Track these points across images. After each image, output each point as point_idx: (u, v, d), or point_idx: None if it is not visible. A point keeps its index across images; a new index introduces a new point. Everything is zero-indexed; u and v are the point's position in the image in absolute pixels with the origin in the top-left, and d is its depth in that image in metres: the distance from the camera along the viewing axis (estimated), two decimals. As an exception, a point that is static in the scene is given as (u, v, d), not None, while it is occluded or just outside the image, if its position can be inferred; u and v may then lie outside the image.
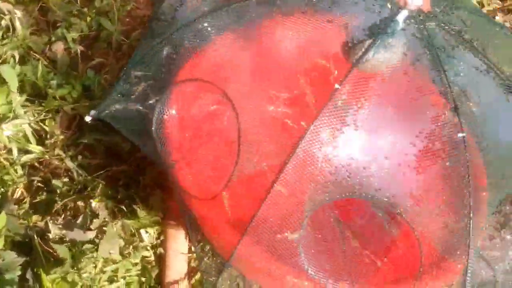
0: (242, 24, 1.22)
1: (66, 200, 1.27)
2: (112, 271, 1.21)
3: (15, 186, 1.31)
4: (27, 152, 1.35)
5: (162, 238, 1.29)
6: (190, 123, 1.18)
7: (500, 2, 1.90)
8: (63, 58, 1.46)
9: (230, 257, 1.01)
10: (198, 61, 1.20)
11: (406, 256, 1.07)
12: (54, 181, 1.30)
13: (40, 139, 1.37)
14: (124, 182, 1.33)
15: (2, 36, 1.46)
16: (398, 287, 1.06)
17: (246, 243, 0.98)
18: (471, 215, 0.94)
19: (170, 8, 1.22)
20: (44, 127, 1.37)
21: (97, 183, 1.30)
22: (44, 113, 1.38)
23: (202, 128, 1.18)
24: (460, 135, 0.94)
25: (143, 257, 1.26)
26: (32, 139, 1.35)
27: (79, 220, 1.21)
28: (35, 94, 1.41)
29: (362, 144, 0.96)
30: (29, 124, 1.36)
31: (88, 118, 1.17)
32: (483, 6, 1.85)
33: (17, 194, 1.32)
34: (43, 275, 1.15)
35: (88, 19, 1.55)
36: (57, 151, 1.35)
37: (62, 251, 1.15)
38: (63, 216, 1.27)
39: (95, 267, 1.18)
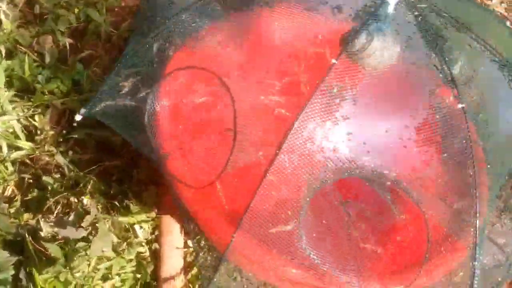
0: (233, 12, 1.20)
1: (57, 197, 1.24)
2: (106, 268, 1.19)
3: (5, 184, 1.29)
4: (17, 148, 1.32)
5: (157, 233, 1.26)
6: (183, 112, 1.16)
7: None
8: (51, 51, 1.43)
9: (226, 250, 0.99)
10: (190, 51, 1.17)
11: (413, 237, 1.05)
12: (45, 178, 1.27)
13: (30, 135, 1.35)
14: (117, 177, 1.31)
15: (-12, 30, 1.43)
16: (406, 271, 1.03)
17: (242, 234, 0.95)
18: (476, 182, 0.92)
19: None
20: (34, 122, 1.35)
21: (89, 179, 1.27)
22: (33, 109, 1.36)
23: (195, 118, 1.16)
24: (459, 105, 0.91)
25: (138, 253, 1.24)
26: (21, 135, 1.33)
27: (71, 218, 1.18)
28: (23, 89, 1.38)
29: (361, 119, 0.93)
30: (18, 120, 1.33)
31: (78, 117, 1.15)
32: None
33: (8, 192, 1.29)
34: (36, 275, 1.13)
35: (76, 10, 1.51)
36: (47, 147, 1.32)
37: (54, 250, 1.13)
38: (55, 213, 1.24)
39: (89, 265, 1.16)
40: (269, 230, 0.94)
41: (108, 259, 1.19)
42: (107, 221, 1.19)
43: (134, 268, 1.22)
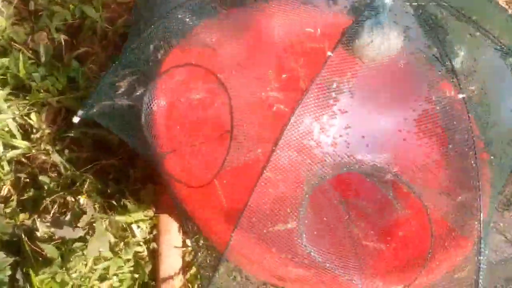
0: (230, 8, 1.18)
1: (54, 196, 1.23)
2: (104, 268, 1.17)
3: (2, 183, 1.27)
4: (13, 147, 1.30)
5: (155, 232, 1.24)
6: (180, 111, 1.14)
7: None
8: (46, 49, 1.41)
9: (225, 250, 0.97)
10: (186, 48, 1.15)
11: (416, 232, 1.03)
12: (41, 177, 1.25)
13: (26, 134, 1.33)
14: (114, 176, 1.29)
15: (-18, 27, 1.41)
16: (409, 268, 1.01)
17: (240, 233, 0.93)
18: (479, 180, 0.89)
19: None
20: (29, 121, 1.33)
21: (85, 178, 1.25)
22: (28, 107, 1.34)
23: (192, 116, 1.14)
24: (460, 96, 0.89)
25: (136, 253, 1.22)
26: (17, 134, 1.31)
27: (68, 217, 1.16)
28: (19, 87, 1.36)
29: (360, 112, 0.91)
30: (14, 118, 1.32)
31: (76, 119, 1.13)
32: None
33: (4, 192, 1.27)
34: (33, 275, 1.11)
35: (71, 7, 1.49)
36: (43, 145, 1.30)
37: (50, 250, 1.11)
38: (52, 213, 1.22)
39: (86, 265, 1.14)
40: (269, 228, 0.92)
41: (106, 259, 1.17)
42: (104, 220, 1.17)
43: (132, 268, 1.20)
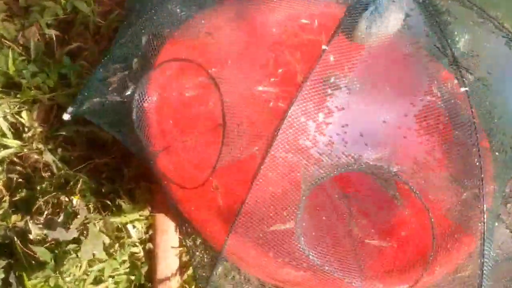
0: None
1: (47, 197, 1.20)
2: (99, 271, 1.14)
3: (-7, 184, 1.24)
4: (4, 147, 1.27)
5: (150, 232, 1.21)
6: (173, 107, 1.11)
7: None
8: (37, 45, 1.37)
9: (222, 251, 0.94)
10: (178, 42, 1.12)
11: (417, 231, 1.00)
12: (34, 177, 1.22)
13: (17, 133, 1.30)
14: (107, 175, 1.26)
15: (-29, 24, 1.38)
16: (410, 271, 0.98)
17: (235, 237, 0.90)
18: (483, 175, 0.86)
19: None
20: (21, 119, 1.29)
21: (79, 177, 1.22)
22: (19, 105, 1.30)
23: (186, 112, 1.11)
24: (462, 89, 0.85)
25: (132, 254, 1.19)
26: (8, 133, 1.28)
27: (61, 219, 1.13)
28: (9, 85, 1.33)
29: (357, 109, 0.88)
30: (4, 117, 1.28)
31: (66, 116, 1.11)
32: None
33: (-5, 193, 1.24)
34: (26, 279, 1.08)
35: (63, 1, 1.45)
36: (35, 144, 1.27)
37: (42, 253, 1.09)
38: (45, 214, 1.19)
39: (80, 268, 1.11)
40: (265, 231, 0.89)
41: (100, 261, 1.14)
42: (98, 222, 1.14)
43: (127, 270, 1.18)
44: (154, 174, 1.08)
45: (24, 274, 1.09)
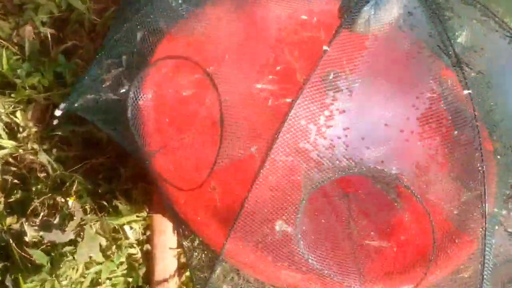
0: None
1: (42, 198, 1.18)
2: (96, 273, 1.13)
3: (-12, 186, 1.23)
4: (-1, 147, 1.25)
5: (148, 233, 1.20)
6: (169, 105, 1.09)
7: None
8: (31, 43, 1.36)
9: (221, 254, 0.93)
10: (174, 40, 1.10)
11: (417, 234, 0.99)
12: (29, 178, 1.20)
13: (12, 133, 1.28)
14: (104, 175, 1.24)
15: (-36, 22, 1.36)
16: (413, 273, 0.97)
17: (234, 242, 0.89)
18: (485, 179, 0.85)
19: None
20: (16, 119, 1.28)
21: (74, 178, 1.20)
22: (14, 105, 1.29)
23: (183, 111, 1.09)
24: (465, 92, 0.84)
25: (129, 255, 1.18)
26: (3, 133, 1.26)
27: (56, 220, 1.12)
28: (3, 84, 1.31)
29: (359, 112, 0.87)
30: (-1, 117, 1.27)
31: (58, 112, 1.08)
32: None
33: (-10, 194, 1.23)
34: (22, 283, 1.07)
35: (57, -1, 1.43)
36: (30, 145, 1.26)
37: (38, 256, 1.07)
38: (41, 215, 1.18)
39: (76, 271, 1.10)
40: (265, 234, 0.88)
41: (97, 263, 1.13)
42: (94, 224, 1.13)
43: (125, 271, 1.16)
44: (150, 174, 1.07)
45: (20, 277, 1.08)
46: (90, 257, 1.09)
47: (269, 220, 0.87)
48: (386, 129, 0.85)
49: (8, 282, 1.10)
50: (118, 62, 1.11)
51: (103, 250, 1.14)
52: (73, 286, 1.10)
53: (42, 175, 1.24)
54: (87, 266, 1.12)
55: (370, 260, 0.97)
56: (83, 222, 1.13)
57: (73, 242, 1.13)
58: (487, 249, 0.90)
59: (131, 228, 1.19)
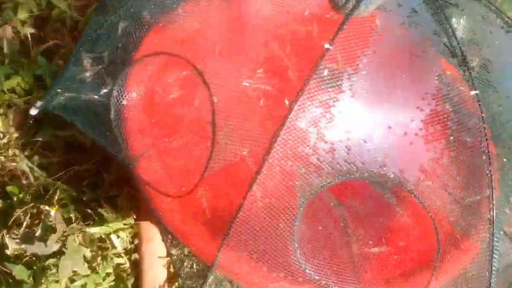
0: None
1: (25, 208, 1.12)
2: (81, 285, 1.07)
3: (-33, 195, 1.16)
4: (-22, 155, 1.19)
5: (136, 241, 1.14)
6: (155, 106, 1.04)
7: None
8: (10, 44, 1.29)
9: (213, 264, 0.87)
10: (161, 34, 1.05)
11: (419, 241, 0.95)
12: (8, 187, 1.14)
13: (-8, 139, 1.22)
14: (89, 182, 1.18)
15: None
16: (415, 280, 0.93)
17: (226, 252, 0.84)
18: (492, 183, 0.80)
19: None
20: (-5, 125, 1.22)
21: (58, 186, 1.14)
22: (-7, 110, 1.22)
23: (170, 111, 1.04)
24: (472, 92, 0.79)
25: (117, 265, 1.13)
26: (-19, 140, 1.20)
27: (38, 232, 1.06)
28: (-18, 88, 1.25)
29: (361, 114, 0.82)
30: (-23, 123, 1.20)
31: (33, 111, 1.01)
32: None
33: (-30, 204, 1.16)
34: (3, 298, 1.02)
35: (37, -3, 1.37)
36: (11, 151, 1.20)
37: (19, 272, 1.01)
38: (24, 225, 1.12)
39: (60, 284, 1.04)
40: (260, 244, 0.82)
41: (82, 276, 1.07)
42: (77, 236, 1.07)
43: (112, 283, 1.11)
44: (134, 179, 1.01)
45: (2, 293, 1.02)
46: (74, 271, 1.03)
47: (265, 230, 0.82)
48: (389, 132, 0.80)
49: (-10, 297, 1.05)
50: (99, 58, 1.05)
51: (88, 262, 1.08)
52: (56, 302, 1.04)
53: (24, 182, 1.18)
54: (71, 279, 1.06)
55: (370, 268, 0.92)
56: (66, 234, 1.07)
57: (58, 253, 1.07)
58: (495, 256, 0.85)
59: (118, 236, 1.13)
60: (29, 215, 1.13)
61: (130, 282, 1.12)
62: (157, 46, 1.03)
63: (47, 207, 1.13)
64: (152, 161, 0.99)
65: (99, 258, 1.09)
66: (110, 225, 1.11)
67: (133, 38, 1.03)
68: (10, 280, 1.03)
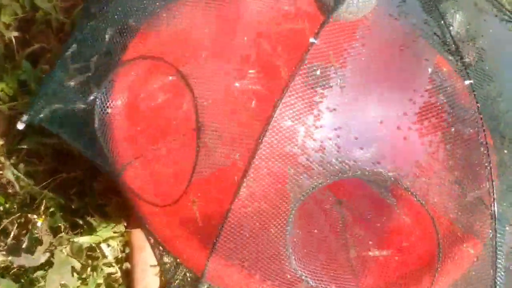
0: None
1: (11, 218, 1.08)
2: (71, 298, 1.03)
3: (-48, 206, 1.13)
4: (-38, 164, 1.15)
5: (127, 250, 1.10)
6: (141, 113, 1.00)
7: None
8: (-6, 49, 1.25)
9: (203, 275, 0.83)
10: (147, 37, 1.01)
11: (419, 241, 0.91)
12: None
13: (-25, 148, 1.18)
14: (77, 189, 1.14)
15: None
16: (417, 281, 0.88)
17: (216, 261, 0.80)
18: (492, 175, 0.76)
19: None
20: (-21, 133, 1.18)
21: (45, 194, 1.10)
22: (-24, 117, 1.19)
23: (156, 118, 1.00)
24: (467, 82, 0.75)
25: (108, 275, 1.08)
26: (-35, 148, 1.16)
27: (25, 244, 1.02)
28: (-36, 95, 1.21)
29: (351, 109, 0.78)
30: (-40, 131, 1.17)
31: (20, 126, 0.98)
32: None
33: (-45, 215, 1.13)
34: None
35: (21, -1, 1.33)
36: (-3, 159, 1.16)
37: (6, 286, 0.98)
38: (11, 236, 1.08)
39: (48, 297, 1.00)
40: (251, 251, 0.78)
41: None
42: (65, 247, 1.02)
43: (103, 294, 1.06)
44: (121, 189, 0.97)
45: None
46: (62, 284, 0.99)
47: (255, 235, 0.78)
48: (381, 127, 0.76)
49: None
50: (85, 66, 1.02)
51: (78, 273, 1.04)
52: (45, 315, 1.00)
53: (11, 191, 1.14)
54: (59, 292, 1.02)
55: (369, 272, 0.88)
56: (54, 244, 1.03)
57: (45, 265, 1.03)
58: (499, 252, 0.81)
59: (108, 245, 1.09)
60: (16, 225, 1.09)
61: (122, 292, 1.08)
62: (142, 50, 1.00)
63: (34, 217, 1.10)
64: (139, 170, 0.95)
65: (89, 269, 1.05)
66: (99, 233, 1.07)
67: (119, 42, 1.00)
68: (-3, 295, 0.99)
